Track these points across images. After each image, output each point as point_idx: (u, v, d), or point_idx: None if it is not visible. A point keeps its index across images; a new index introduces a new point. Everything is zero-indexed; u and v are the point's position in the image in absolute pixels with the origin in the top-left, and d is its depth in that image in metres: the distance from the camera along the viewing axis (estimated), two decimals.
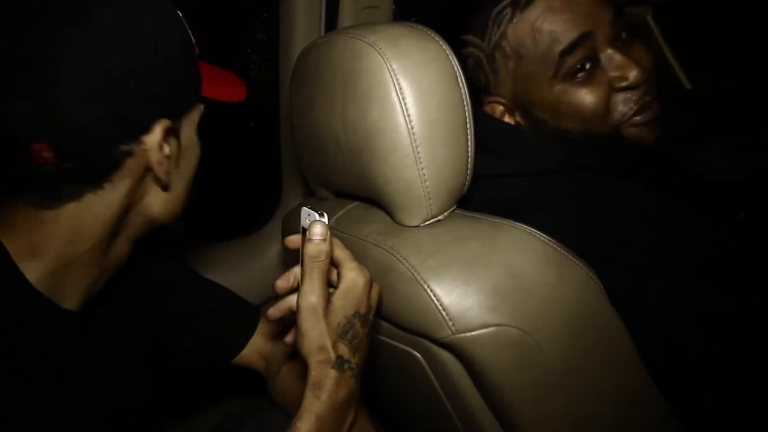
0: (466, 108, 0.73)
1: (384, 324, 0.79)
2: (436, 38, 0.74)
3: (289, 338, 0.74)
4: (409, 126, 0.70)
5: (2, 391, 0.57)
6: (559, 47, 0.81)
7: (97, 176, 0.62)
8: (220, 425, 1.01)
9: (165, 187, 0.68)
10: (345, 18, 1.22)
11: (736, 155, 1.02)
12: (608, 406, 0.76)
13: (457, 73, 0.73)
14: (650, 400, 0.79)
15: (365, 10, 1.22)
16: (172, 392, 1.00)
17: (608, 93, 0.83)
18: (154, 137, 0.63)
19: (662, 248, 0.73)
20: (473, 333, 0.69)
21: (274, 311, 0.74)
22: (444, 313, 0.69)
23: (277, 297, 0.74)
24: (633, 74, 0.82)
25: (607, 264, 0.74)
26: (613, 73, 0.83)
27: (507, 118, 0.90)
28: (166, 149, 0.64)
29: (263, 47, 1.71)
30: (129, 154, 0.62)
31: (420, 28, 0.75)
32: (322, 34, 1.21)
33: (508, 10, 0.83)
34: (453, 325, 0.69)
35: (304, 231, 0.69)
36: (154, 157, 0.63)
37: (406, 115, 0.70)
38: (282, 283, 0.73)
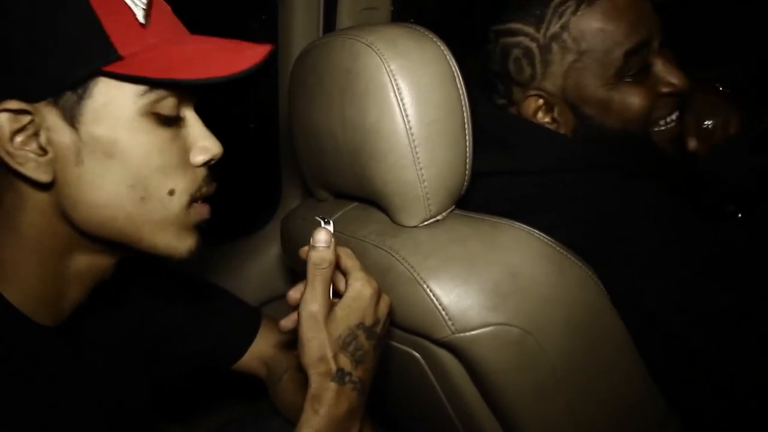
0: (464, 108, 0.73)
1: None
2: (434, 39, 0.74)
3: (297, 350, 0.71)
4: (407, 127, 0.70)
5: None
6: (625, 48, 0.82)
7: None
8: (221, 430, 1.01)
9: (45, 186, 0.57)
10: (343, 19, 1.22)
11: (752, 154, 1.04)
12: (609, 405, 0.76)
13: (455, 74, 0.73)
14: (651, 399, 0.79)
15: (364, 11, 1.23)
16: (173, 397, 1.00)
17: (655, 97, 0.86)
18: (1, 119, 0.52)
19: (664, 247, 0.73)
20: (473, 332, 0.69)
21: (286, 322, 0.72)
22: (444, 313, 0.69)
23: (276, 298, 0.73)
24: (679, 82, 0.85)
25: (608, 263, 0.74)
26: (662, 79, 0.86)
27: (541, 114, 0.89)
28: (20, 138, 0.54)
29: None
30: None
31: (418, 28, 0.75)
32: (320, 36, 1.21)
33: (572, 3, 0.83)
34: (453, 324, 0.69)
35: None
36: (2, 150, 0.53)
37: (404, 115, 0.70)
38: (294, 293, 0.69)
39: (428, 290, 0.70)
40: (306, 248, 0.67)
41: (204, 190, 0.64)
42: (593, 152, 0.85)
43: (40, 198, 0.57)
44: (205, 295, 0.94)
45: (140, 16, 0.55)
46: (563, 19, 0.83)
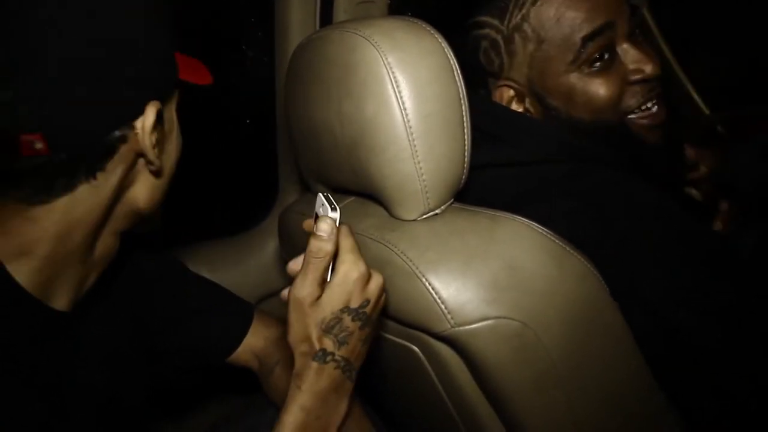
0: (462, 101, 0.73)
1: (382, 319, 0.79)
2: (432, 31, 0.73)
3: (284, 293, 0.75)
4: (405, 120, 0.70)
5: None
6: (582, 33, 0.82)
7: (91, 166, 0.60)
8: (216, 423, 1.01)
9: (157, 173, 0.67)
10: (340, 13, 1.22)
11: (763, 161, 1.06)
12: (608, 399, 0.76)
13: (453, 67, 0.72)
14: (650, 393, 0.79)
15: (360, 4, 1.22)
16: (169, 391, 1.00)
17: (622, 85, 0.85)
18: (148, 120, 0.61)
19: (665, 243, 0.73)
20: (472, 326, 0.68)
21: (285, 293, 0.74)
22: (443, 307, 0.69)
23: (274, 294, 0.74)
24: (649, 68, 0.85)
25: (608, 257, 0.74)
26: (630, 66, 0.85)
27: (515, 105, 0.90)
28: (155, 134, 0.63)
29: (258, 43, 1.70)
30: (123, 139, 0.60)
31: (416, 21, 0.75)
32: (317, 29, 1.21)
33: None
34: (452, 318, 0.69)
35: (317, 217, 0.69)
36: (148, 142, 0.62)
37: (402, 108, 0.70)
38: (293, 265, 0.72)
39: (427, 284, 0.70)
40: (310, 221, 0.70)
41: None
42: (579, 144, 0.85)
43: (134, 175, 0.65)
44: (198, 291, 0.95)
45: None
46: (524, 10, 0.84)
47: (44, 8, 0.54)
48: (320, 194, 0.71)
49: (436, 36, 0.73)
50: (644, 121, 0.88)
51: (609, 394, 0.76)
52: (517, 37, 0.86)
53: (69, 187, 0.59)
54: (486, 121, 0.87)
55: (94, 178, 0.60)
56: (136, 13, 0.60)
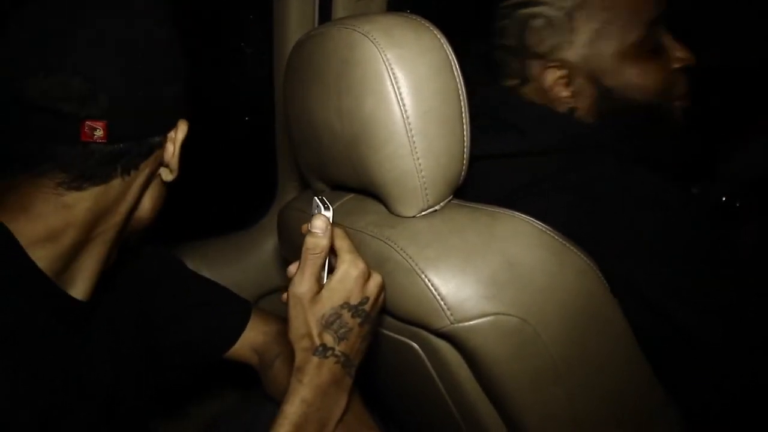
0: (461, 97, 0.73)
1: (381, 316, 0.79)
2: (431, 28, 0.73)
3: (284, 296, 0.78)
4: (404, 116, 0.70)
5: (6, 376, 0.56)
6: (649, 16, 0.82)
7: (129, 162, 0.65)
8: (215, 418, 1.02)
9: (166, 183, 0.72)
10: (339, 10, 1.21)
11: None
12: (607, 394, 0.76)
13: (453, 63, 0.72)
14: (649, 388, 0.79)
15: (359, 1, 1.22)
16: (169, 387, 1.00)
17: (671, 71, 0.87)
18: (180, 133, 0.69)
19: (666, 237, 0.73)
20: (472, 322, 0.69)
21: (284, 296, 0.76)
22: (442, 303, 0.69)
23: (274, 291, 0.75)
24: (688, 56, 0.87)
25: (607, 252, 0.74)
26: (677, 54, 0.87)
27: (558, 88, 0.88)
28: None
29: (257, 40, 1.70)
30: (159, 145, 0.67)
31: (415, 18, 0.74)
32: (316, 26, 1.20)
33: None
34: (451, 314, 0.69)
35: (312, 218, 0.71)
36: (175, 151, 0.69)
37: (401, 105, 0.70)
38: (292, 268, 0.74)
39: (426, 280, 0.70)
40: (307, 225, 0.72)
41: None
42: (593, 132, 0.84)
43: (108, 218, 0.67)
44: (197, 288, 0.97)
45: None
46: None
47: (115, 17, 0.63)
48: (315, 197, 0.72)
49: (435, 32, 0.73)
50: (676, 109, 0.90)
51: (609, 391, 0.76)
52: (579, 15, 0.84)
53: (107, 177, 0.64)
54: (491, 109, 0.86)
55: (128, 174, 0.66)
56: (178, 47, 0.68)
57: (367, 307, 0.70)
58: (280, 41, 1.23)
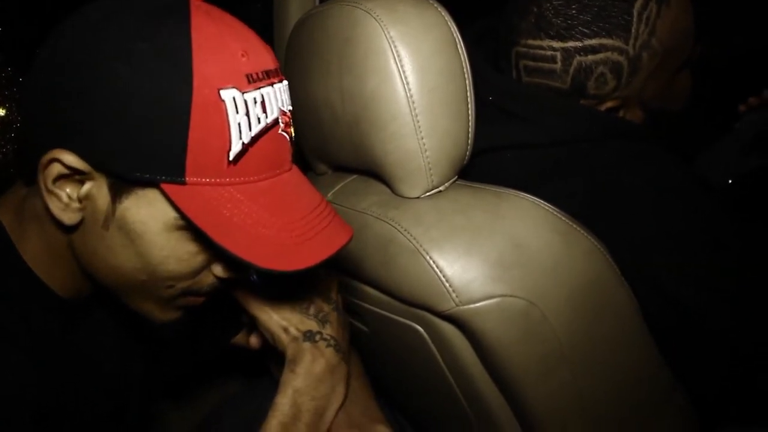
0: (466, 76, 0.72)
1: (385, 298, 0.78)
2: (435, 4, 0.72)
3: (252, 340, 0.82)
4: (408, 95, 0.68)
5: (5, 376, 0.55)
6: (694, 36, 0.84)
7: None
8: (219, 406, 1.02)
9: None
10: None
11: (742, 156, 1.13)
12: (614, 377, 0.75)
13: (457, 39, 0.71)
14: (656, 370, 0.78)
15: None
16: (171, 377, 1.01)
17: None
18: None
19: (680, 222, 0.72)
20: (477, 304, 0.68)
21: (255, 339, 0.83)
22: (447, 285, 0.68)
23: None
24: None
25: (615, 234, 0.73)
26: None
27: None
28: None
29: (257, 21, 1.68)
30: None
31: None
32: (316, 4, 1.19)
33: (653, 5, 0.78)
34: (456, 296, 0.68)
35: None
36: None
37: (405, 83, 0.68)
38: (254, 340, 0.82)
39: (431, 262, 0.69)
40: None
41: (203, 291, 0.64)
42: (613, 120, 0.83)
43: (55, 233, 0.60)
44: None
45: (233, 152, 0.54)
46: (650, 26, 0.79)
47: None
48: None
49: (438, 9, 0.71)
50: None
51: (615, 371, 0.75)
52: (644, 55, 0.80)
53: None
54: (508, 101, 0.83)
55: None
56: None
57: (332, 294, 0.73)
58: (281, 20, 1.21)
